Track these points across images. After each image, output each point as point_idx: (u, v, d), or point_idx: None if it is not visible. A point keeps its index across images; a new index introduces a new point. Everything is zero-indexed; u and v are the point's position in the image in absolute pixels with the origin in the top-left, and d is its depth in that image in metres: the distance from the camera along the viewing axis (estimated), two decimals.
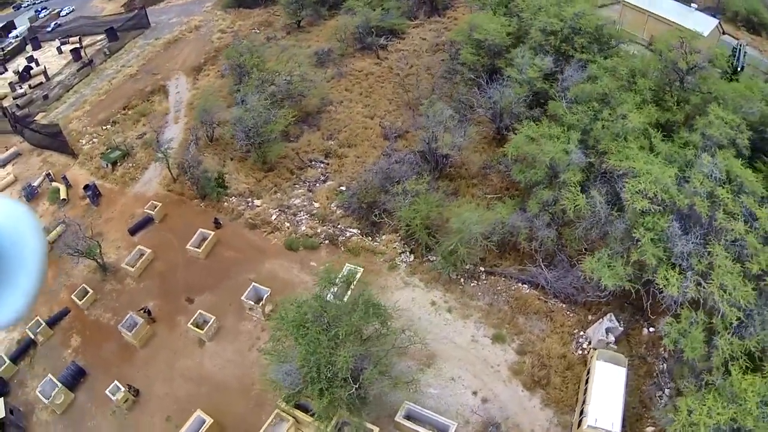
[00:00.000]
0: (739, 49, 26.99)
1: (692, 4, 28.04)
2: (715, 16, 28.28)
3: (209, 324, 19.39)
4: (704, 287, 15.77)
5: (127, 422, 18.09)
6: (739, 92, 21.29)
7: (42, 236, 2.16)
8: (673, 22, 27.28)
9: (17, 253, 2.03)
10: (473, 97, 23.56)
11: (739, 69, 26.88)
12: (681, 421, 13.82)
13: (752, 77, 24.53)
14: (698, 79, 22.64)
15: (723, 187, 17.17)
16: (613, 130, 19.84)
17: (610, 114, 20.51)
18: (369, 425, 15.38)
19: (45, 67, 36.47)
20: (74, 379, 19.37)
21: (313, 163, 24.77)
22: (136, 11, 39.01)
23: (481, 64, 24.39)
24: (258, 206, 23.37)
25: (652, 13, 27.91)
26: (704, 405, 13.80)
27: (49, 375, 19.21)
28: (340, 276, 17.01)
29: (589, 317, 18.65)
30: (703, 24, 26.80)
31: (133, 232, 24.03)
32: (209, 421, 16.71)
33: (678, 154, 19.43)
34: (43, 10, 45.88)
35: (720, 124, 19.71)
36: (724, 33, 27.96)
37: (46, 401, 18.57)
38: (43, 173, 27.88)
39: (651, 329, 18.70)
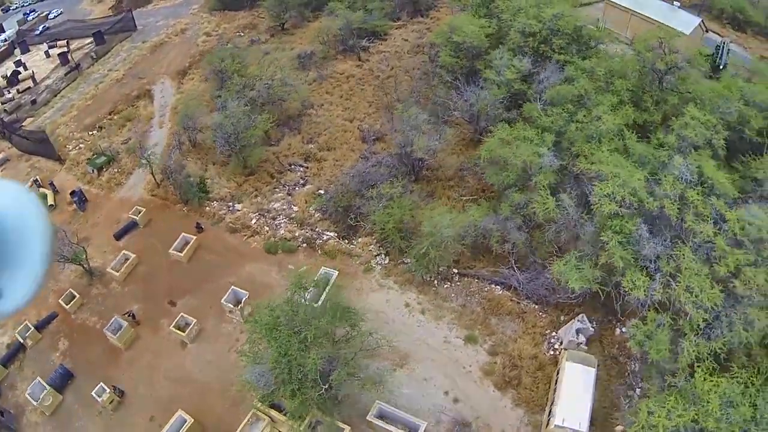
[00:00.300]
0: (722, 48, 27.33)
1: (675, 3, 28.33)
2: (698, 15, 28.56)
3: (191, 326, 20.24)
4: (673, 289, 16.31)
5: (113, 422, 19.02)
6: (717, 92, 21.73)
7: (47, 220, 2.16)
8: (656, 20, 27.62)
9: (24, 239, 2.03)
10: (450, 99, 24.11)
11: (721, 67, 27.24)
12: (641, 423, 14.44)
13: (734, 76, 24.90)
14: (677, 79, 23.07)
15: (694, 189, 17.66)
16: (587, 132, 20.34)
17: (585, 116, 21.00)
18: (341, 424, 16.18)
19: (33, 72, 37.26)
20: (62, 382, 20.30)
21: (292, 167, 25.46)
22: (123, 14, 39.64)
23: (459, 66, 24.89)
24: (239, 210, 24.13)
25: (635, 11, 28.24)
26: (664, 407, 14.40)
27: (38, 378, 20.16)
28: (314, 279, 17.75)
29: (562, 318, 19.30)
30: (686, 22, 27.14)
31: (118, 237, 24.88)
32: (190, 420, 17.59)
33: (652, 155, 19.92)
34: (32, 13, 46.57)
35: (696, 124, 20.18)
36: (708, 31, 28.24)
37: (35, 403, 19.53)
38: (31, 179, 28.74)
39: (623, 330, 19.32)
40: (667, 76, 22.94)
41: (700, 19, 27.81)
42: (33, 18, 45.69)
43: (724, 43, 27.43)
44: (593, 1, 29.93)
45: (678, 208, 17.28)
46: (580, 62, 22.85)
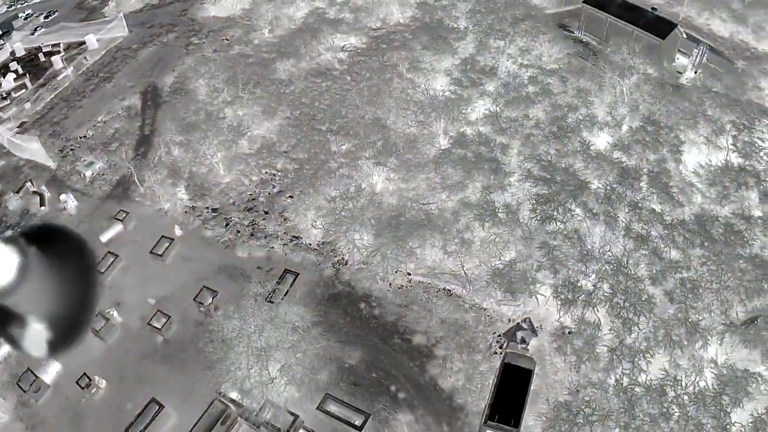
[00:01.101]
0: (699, 53, 29.67)
1: (652, 8, 30.64)
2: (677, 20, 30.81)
3: (167, 321, 24.11)
4: None
5: (94, 409, 23.01)
6: None
7: (96, 267, 2.31)
8: (633, 26, 30.00)
9: (71, 286, 2.06)
10: None
11: (695, 72, 29.66)
12: None
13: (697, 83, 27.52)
14: None
15: None
16: None
17: None
18: (292, 411, 19.65)
19: (27, 74, 41.93)
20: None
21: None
22: (115, 17, 43.97)
23: None
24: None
25: (612, 17, 30.64)
26: None
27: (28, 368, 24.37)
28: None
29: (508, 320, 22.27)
30: (662, 29, 29.46)
31: (104, 239, 28.90)
32: (161, 408, 21.35)
33: None
34: (27, 15, 51.47)
35: None
36: (686, 36, 30.49)
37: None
38: (23, 182, 33.17)
39: (569, 332, 22.20)
40: None
41: (677, 25, 30.08)
42: (29, 19, 50.62)
43: (701, 49, 29.69)
44: (572, 6, 32.45)
45: None
46: None
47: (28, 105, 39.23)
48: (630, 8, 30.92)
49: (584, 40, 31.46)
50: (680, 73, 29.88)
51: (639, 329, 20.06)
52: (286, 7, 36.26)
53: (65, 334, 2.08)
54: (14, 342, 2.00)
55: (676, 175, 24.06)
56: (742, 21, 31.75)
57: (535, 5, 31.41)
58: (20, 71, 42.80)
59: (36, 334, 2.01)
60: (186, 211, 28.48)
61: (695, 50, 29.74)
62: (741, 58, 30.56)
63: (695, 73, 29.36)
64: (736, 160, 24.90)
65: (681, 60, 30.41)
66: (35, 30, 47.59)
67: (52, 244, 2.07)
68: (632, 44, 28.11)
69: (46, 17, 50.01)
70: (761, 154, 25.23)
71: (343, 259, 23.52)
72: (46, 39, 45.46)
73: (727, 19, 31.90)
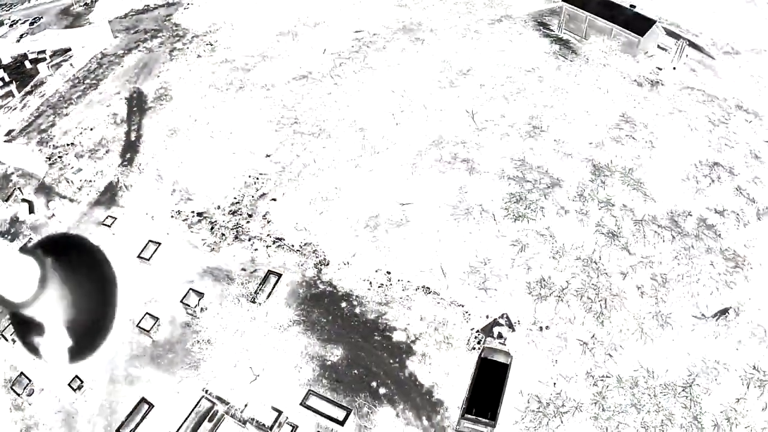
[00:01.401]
0: (678, 49, 30.93)
1: (632, 5, 31.86)
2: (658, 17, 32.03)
3: (155, 323, 25.46)
4: None
5: (86, 410, 24.38)
6: None
7: (115, 278, 2.52)
8: (612, 24, 31.23)
9: (94, 295, 2.32)
10: None
11: (674, 68, 30.90)
12: None
13: (675, 79, 28.58)
14: None
15: None
16: None
17: None
18: (276, 407, 20.99)
19: (13, 82, 43.35)
20: None
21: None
22: (100, 24, 45.36)
23: None
24: None
25: (592, 15, 31.85)
26: None
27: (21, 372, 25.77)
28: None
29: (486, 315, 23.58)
30: (641, 26, 30.68)
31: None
32: (151, 407, 22.74)
33: None
34: (12, 22, 52.90)
35: None
36: (666, 33, 31.71)
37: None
38: (12, 190, 34.58)
39: (546, 327, 23.52)
40: None
41: (656, 21, 31.30)
42: (13, 26, 52.04)
43: (680, 45, 30.92)
44: (553, 5, 33.68)
45: None
46: None
47: (15, 113, 40.68)
48: (609, 6, 32.15)
49: (564, 38, 32.70)
50: (660, 69, 31.11)
51: (611, 323, 21.37)
52: (269, 11, 37.61)
53: (86, 343, 2.27)
54: (37, 351, 2.19)
55: (650, 171, 25.33)
56: (722, 16, 32.94)
57: (514, 5, 32.70)
58: (6, 79, 44.25)
59: (58, 343, 2.22)
60: (172, 216, 29.87)
61: (674, 46, 30.98)
62: (720, 53, 31.75)
63: (674, 68, 30.60)
64: (711, 154, 26.17)
65: (660, 56, 31.63)
66: (20, 37, 49.07)
67: (74, 257, 2.28)
68: (610, 41, 29.38)
69: (31, 24, 51.48)
70: (736, 148, 26.49)
71: (324, 259, 24.87)
72: (32, 46, 46.93)
73: (706, 14, 33.09)
